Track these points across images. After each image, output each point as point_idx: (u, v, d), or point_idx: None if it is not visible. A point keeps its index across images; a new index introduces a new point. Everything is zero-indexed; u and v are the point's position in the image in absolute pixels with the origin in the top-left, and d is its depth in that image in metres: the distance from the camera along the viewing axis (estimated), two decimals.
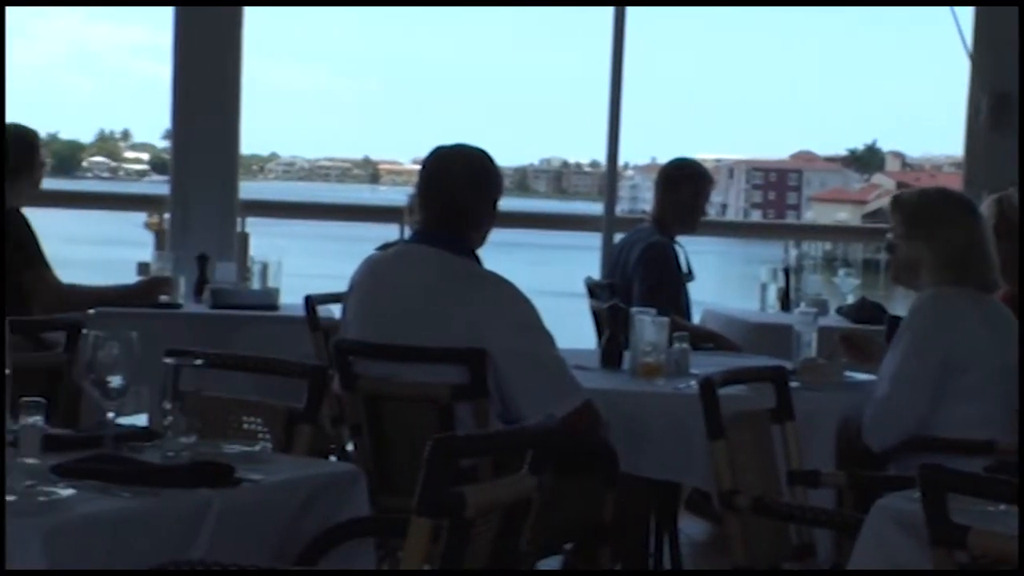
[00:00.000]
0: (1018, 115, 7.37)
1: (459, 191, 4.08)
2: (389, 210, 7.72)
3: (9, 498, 2.55)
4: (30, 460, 2.80)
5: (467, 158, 4.14)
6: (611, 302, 5.03)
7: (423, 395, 3.97)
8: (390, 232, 6.97)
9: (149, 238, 7.84)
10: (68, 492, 2.60)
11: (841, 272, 6.80)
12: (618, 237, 6.74)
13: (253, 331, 5.73)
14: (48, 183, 6.06)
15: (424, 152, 4.24)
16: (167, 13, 7.24)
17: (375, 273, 4.20)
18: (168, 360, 3.00)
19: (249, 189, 7.86)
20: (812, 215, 36.96)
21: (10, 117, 5.95)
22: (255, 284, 6.20)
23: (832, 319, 6.22)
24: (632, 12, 7.53)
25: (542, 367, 3.97)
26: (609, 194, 7.70)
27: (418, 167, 4.34)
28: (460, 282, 4.04)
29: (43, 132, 6.11)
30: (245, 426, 3.53)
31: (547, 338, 4.03)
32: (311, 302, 5.39)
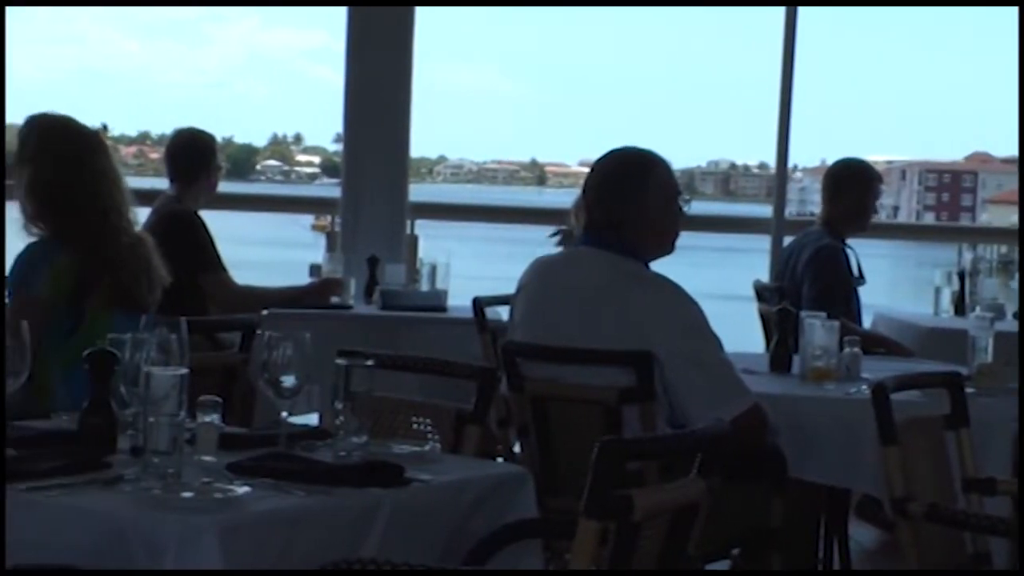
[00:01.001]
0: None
1: (619, 195, 4.07)
2: (555, 212, 7.73)
3: (186, 495, 2.61)
4: (206, 458, 2.86)
5: (631, 162, 4.13)
6: (780, 305, 4.98)
7: (590, 397, 3.97)
8: None
9: (315, 239, 7.97)
10: (243, 490, 2.65)
11: (1018, 276, 6.64)
12: (787, 240, 6.67)
13: (422, 332, 5.79)
14: (223, 186, 6.20)
15: (590, 154, 4.24)
16: (343, 19, 7.34)
17: (542, 275, 4.21)
18: (340, 361, 3.04)
19: (418, 191, 7.94)
20: (987, 218, 36.17)
21: (189, 122, 6.11)
22: (424, 286, 6.26)
23: (1009, 324, 6.08)
24: (804, 12, 7.44)
25: (709, 370, 3.94)
26: (779, 196, 7.63)
27: (585, 169, 4.35)
28: (627, 284, 4.03)
29: (219, 136, 6.24)
30: (414, 426, 3.56)
31: (714, 341, 4.00)
32: (479, 304, 5.43)
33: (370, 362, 3.07)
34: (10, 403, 2.98)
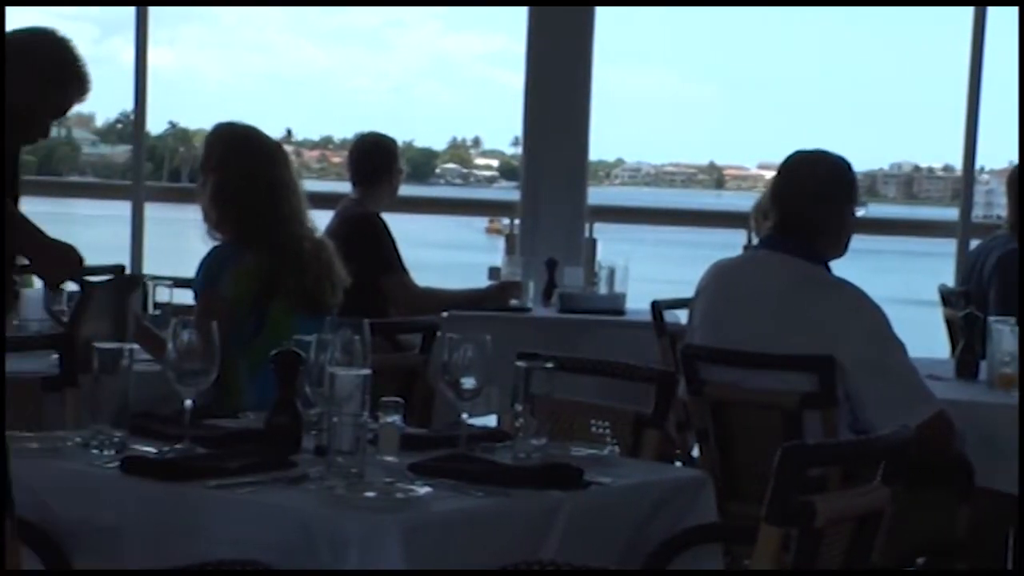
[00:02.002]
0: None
1: (807, 198, 4.03)
2: (734, 216, 7.67)
3: (369, 494, 2.64)
4: (389, 458, 2.90)
5: (820, 164, 4.08)
6: (967, 310, 4.87)
7: (771, 402, 3.93)
8: (735, 238, 6.92)
9: (489, 242, 8.01)
10: (424, 490, 2.67)
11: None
12: (973, 243, 6.52)
13: (600, 335, 5.78)
14: (403, 189, 6.27)
15: (770, 157, 4.20)
16: (523, 22, 7.37)
17: (721, 279, 4.18)
18: (520, 363, 3.05)
19: (595, 195, 7.94)
20: None
21: (371, 126, 6.20)
22: (602, 289, 6.25)
23: None
24: (993, 12, 7.27)
25: (894, 376, 3.87)
26: (965, 199, 7.47)
27: (764, 172, 4.31)
28: (809, 289, 3.98)
29: (399, 140, 6.32)
30: (593, 429, 3.56)
31: (899, 346, 3.93)
32: (658, 307, 5.40)
33: (550, 365, 3.07)
34: (200, 402, 3.05)
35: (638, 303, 5.97)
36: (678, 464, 4.76)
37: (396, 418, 2.95)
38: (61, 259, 4.20)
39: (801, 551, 2.55)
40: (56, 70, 4.28)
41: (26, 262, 4.43)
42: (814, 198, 4.02)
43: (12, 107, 4.15)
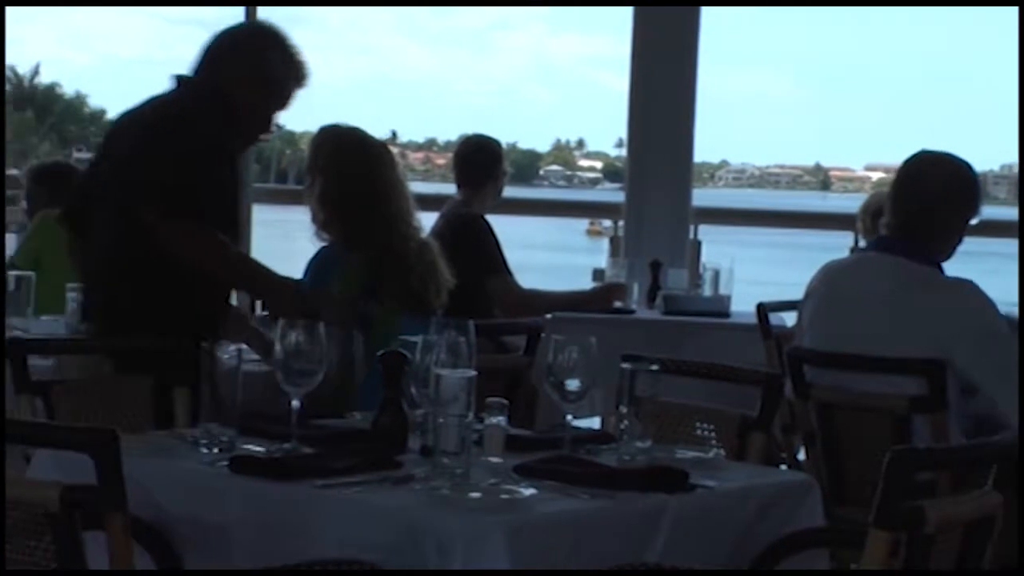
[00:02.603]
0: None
1: (928, 199, 3.98)
2: (840, 217, 7.59)
3: (474, 495, 2.65)
4: (494, 459, 2.90)
5: (945, 167, 4.03)
6: None
7: (879, 406, 3.88)
8: (841, 240, 6.85)
9: (590, 244, 8.01)
10: (529, 492, 2.67)
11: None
12: None
13: (704, 338, 5.75)
14: (507, 191, 6.29)
15: (877, 158, 4.17)
16: (628, 23, 7.36)
17: (831, 280, 4.14)
18: (625, 365, 3.04)
19: (700, 196, 7.90)
20: None
21: (475, 128, 6.23)
22: (706, 291, 6.22)
23: None
24: None
25: (1010, 376, 3.81)
26: None
27: (871, 174, 4.28)
28: (920, 290, 3.93)
29: (504, 142, 6.33)
30: (698, 432, 3.54)
31: (1015, 346, 3.87)
32: (763, 309, 5.37)
33: (655, 367, 3.06)
34: (308, 402, 3.07)
35: (743, 305, 5.93)
36: (784, 468, 4.72)
37: (501, 419, 2.96)
38: (292, 300, 3.95)
39: (911, 557, 2.51)
40: (275, 63, 4.11)
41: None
42: (937, 200, 3.97)
43: (235, 109, 4.02)
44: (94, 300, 4.04)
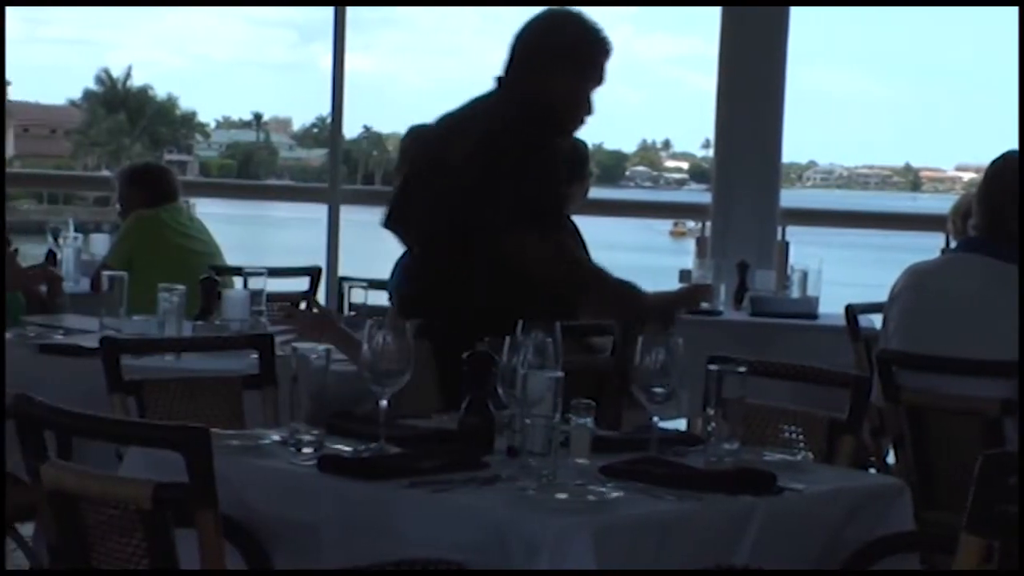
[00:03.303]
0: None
1: (1010, 198, 3.93)
2: (930, 218, 7.51)
3: (561, 496, 2.65)
4: (580, 460, 2.90)
5: None
6: None
7: (970, 408, 3.84)
8: (931, 241, 6.78)
9: (673, 245, 7.97)
10: (616, 493, 2.67)
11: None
12: None
13: (792, 339, 5.72)
14: (593, 192, 6.28)
15: (968, 159, 4.12)
16: (716, 23, 7.33)
17: (918, 282, 4.10)
18: (712, 367, 3.03)
19: (787, 197, 7.85)
20: None
21: None
22: (794, 292, 6.18)
23: None
24: None
25: None
26: None
27: (962, 174, 4.23)
28: (1008, 290, 3.88)
29: (590, 143, 6.32)
30: (785, 434, 3.52)
31: None
32: (851, 311, 5.32)
33: (742, 368, 3.05)
34: (393, 402, 3.09)
35: (831, 307, 5.89)
36: (872, 471, 4.68)
37: (588, 420, 2.95)
38: (641, 305, 4.10)
39: (1004, 562, 2.48)
40: (581, 41, 4.10)
41: None
42: (1008, 199, 3.93)
43: (556, 100, 4.03)
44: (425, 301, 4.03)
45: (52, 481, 2.61)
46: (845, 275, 10.31)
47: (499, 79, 4.08)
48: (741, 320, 5.95)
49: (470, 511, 2.63)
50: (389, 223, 4.15)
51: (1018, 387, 3.73)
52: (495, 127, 3.95)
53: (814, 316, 5.95)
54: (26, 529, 4.29)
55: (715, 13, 7.34)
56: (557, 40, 4.08)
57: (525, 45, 4.09)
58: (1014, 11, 7.03)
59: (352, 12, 7.57)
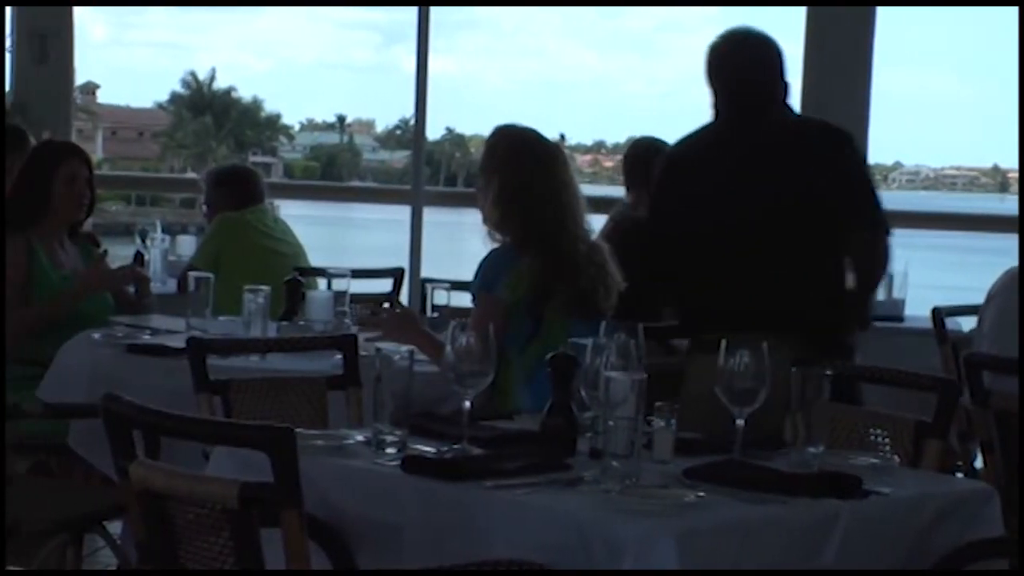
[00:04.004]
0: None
1: None
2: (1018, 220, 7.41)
3: (644, 498, 2.64)
4: (663, 462, 2.89)
5: None
6: None
7: None
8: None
9: None
10: (700, 495, 2.66)
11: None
12: None
13: (879, 342, 5.65)
14: None
15: None
16: (800, 24, 7.28)
17: (1013, 285, 4.05)
18: (796, 370, 3.01)
19: None
20: None
21: (642, 130, 6.21)
22: (880, 295, 6.12)
23: None
24: None
25: None
26: None
27: None
28: None
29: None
30: (871, 438, 3.49)
31: None
32: (939, 314, 5.27)
33: (827, 371, 3.02)
34: (475, 403, 3.09)
35: (917, 309, 5.83)
36: (960, 476, 4.63)
37: (671, 422, 2.94)
38: None
39: None
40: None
41: None
42: None
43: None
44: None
45: (141, 480, 2.64)
46: (932, 278, 10.19)
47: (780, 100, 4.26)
48: None
49: (553, 513, 2.63)
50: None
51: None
52: (839, 137, 4.25)
53: (900, 319, 5.90)
54: (114, 527, 4.34)
55: (800, 14, 7.29)
56: (778, 53, 4.32)
57: (764, 67, 4.27)
58: None
59: (435, 15, 7.58)
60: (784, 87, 4.27)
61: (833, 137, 4.24)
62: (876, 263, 4.18)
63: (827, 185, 4.07)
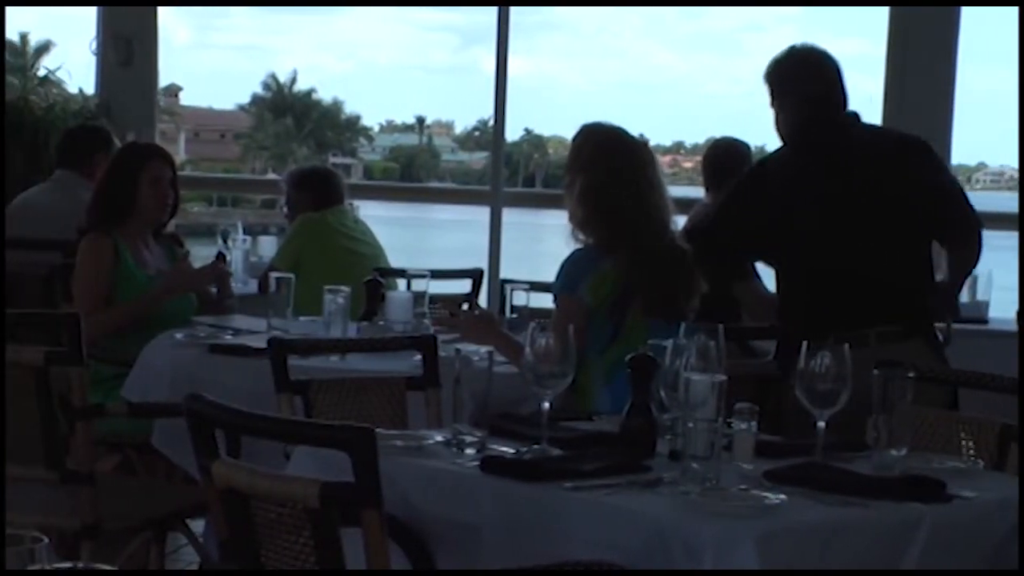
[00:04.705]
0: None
1: None
2: None
3: (724, 500, 2.63)
4: (743, 464, 2.88)
5: None
6: None
7: None
8: None
9: None
10: (780, 498, 2.64)
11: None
12: None
13: (962, 344, 5.59)
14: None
15: None
16: (883, 24, 7.22)
17: None
18: (879, 372, 2.98)
19: None
20: None
21: (722, 131, 6.17)
22: (964, 297, 6.05)
23: None
24: None
25: None
26: None
27: None
28: None
29: (753, 145, 6.26)
30: (955, 441, 3.45)
31: None
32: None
33: (911, 374, 2.99)
34: (555, 404, 3.09)
35: (1002, 311, 5.77)
36: None
37: (751, 424, 2.93)
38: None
39: None
40: None
41: None
42: None
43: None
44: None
45: (223, 479, 2.66)
46: (1015, 280, 10.05)
47: (853, 113, 4.51)
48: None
49: (632, 514, 2.62)
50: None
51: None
52: (920, 147, 4.49)
53: (984, 321, 5.84)
54: (196, 525, 4.38)
55: (883, 13, 7.23)
56: (838, 66, 4.58)
57: (834, 81, 4.53)
58: None
59: (514, 16, 7.59)
60: (846, 98, 4.51)
61: (915, 148, 4.46)
62: (969, 256, 4.49)
63: (919, 197, 4.34)
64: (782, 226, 4.42)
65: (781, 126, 4.52)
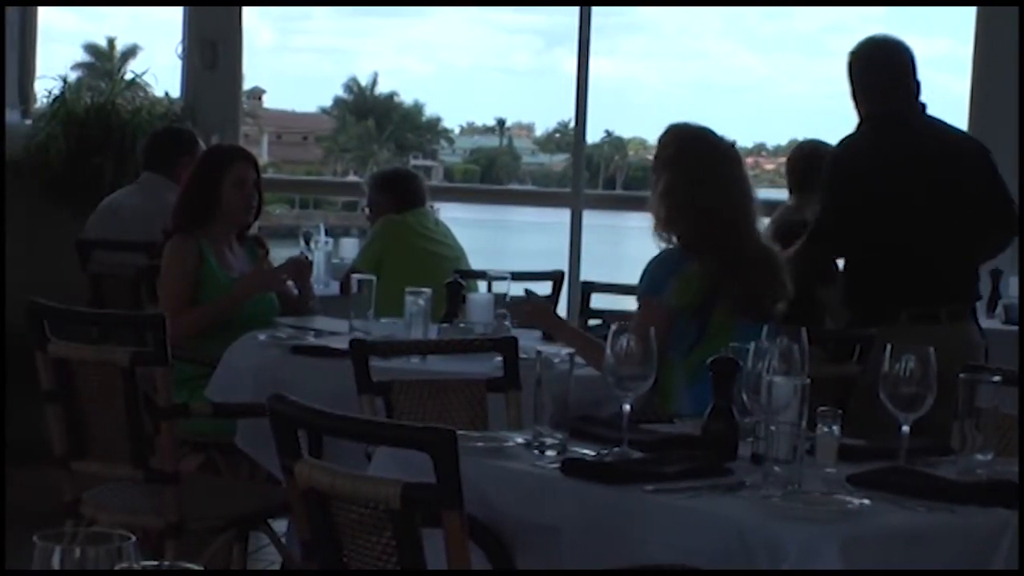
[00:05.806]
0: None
1: None
2: None
3: (807, 504, 2.61)
4: (827, 468, 2.85)
5: None
6: None
7: None
8: None
9: None
10: (864, 502, 2.62)
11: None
12: None
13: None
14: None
15: None
16: (970, 23, 7.15)
17: None
18: (965, 376, 2.95)
19: None
20: None
21: (804, 132, 6.13)
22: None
23: None
24: None
25: None
26: None
27: None
28: None
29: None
30: None
31: None
32: None
33: (996, 378, 2.96)
34: (636, 406, 3.08)
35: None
36: None
37: (834, 428, 2.91)
38: None
39: None
40: None
41: None
42: None
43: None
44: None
45: (305, 479, 2.68)
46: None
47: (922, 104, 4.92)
48: (994, 328, 5.77)
49: (713, 517, 2.61)
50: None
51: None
52: (983, 151, 4.96)
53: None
54: (279, 525, 4.41)
55: (970, 13, 7.15)
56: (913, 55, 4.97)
57: (909, 71, 4.91)
58: None
59: (596, 18, 7.58)
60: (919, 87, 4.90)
61: (980, 151, 4.92)
62: (996, 251, 5.04)
63: (978, 195, 4.81)
64: (880, 207, 4.77)
65: (860, 110, 4.92)
